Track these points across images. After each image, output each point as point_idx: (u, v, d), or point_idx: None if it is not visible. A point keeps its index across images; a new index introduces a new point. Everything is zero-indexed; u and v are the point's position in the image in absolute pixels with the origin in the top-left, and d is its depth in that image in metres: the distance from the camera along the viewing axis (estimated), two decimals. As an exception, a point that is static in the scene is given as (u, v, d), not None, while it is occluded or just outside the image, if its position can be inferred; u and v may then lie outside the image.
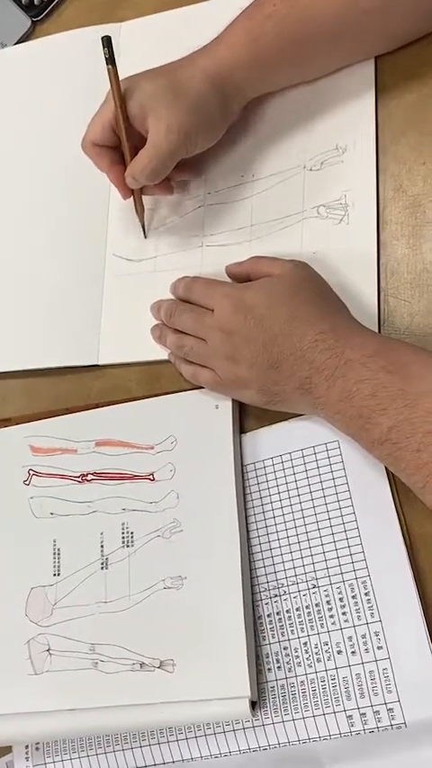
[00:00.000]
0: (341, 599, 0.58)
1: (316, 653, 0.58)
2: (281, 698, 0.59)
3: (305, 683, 0.58)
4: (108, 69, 0.63)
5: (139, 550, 0.63)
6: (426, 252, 0.63)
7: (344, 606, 0.58)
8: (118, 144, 0.66)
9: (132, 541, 0.64)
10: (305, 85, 0.68)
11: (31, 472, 0.68)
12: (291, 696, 0.58)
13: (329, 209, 0.66)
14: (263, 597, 0.61)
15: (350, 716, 0.57)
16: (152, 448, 0.65)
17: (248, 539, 0.62)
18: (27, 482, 0.68)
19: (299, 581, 0.60)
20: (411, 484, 0.53)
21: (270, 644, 0.60)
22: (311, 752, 0.57)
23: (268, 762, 0.58)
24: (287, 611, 0.60)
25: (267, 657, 0.59)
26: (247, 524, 0.62)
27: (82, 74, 0.76)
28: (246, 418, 0.65)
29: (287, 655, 0.59)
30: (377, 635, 0.57)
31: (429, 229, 0.63)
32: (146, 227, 0.71)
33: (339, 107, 0.67)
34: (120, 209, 0.73)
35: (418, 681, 0.55)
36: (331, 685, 0.57)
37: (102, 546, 0.64)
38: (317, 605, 0.59)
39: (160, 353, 0.68)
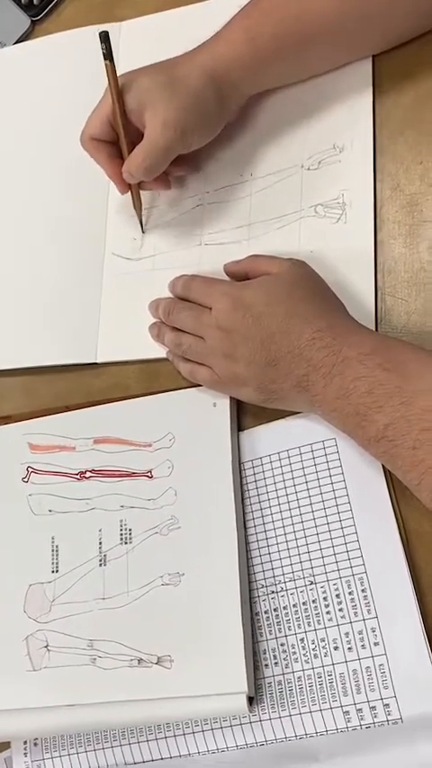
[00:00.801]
0: (338, 595, 0.59)
1: (313, 649, 0.58)
2: (278, 694, 0.59)
3: (302, 678, 0.58)
4: (105, 64, 0.63)
5: (137, 547, 0.64)
6: (422, 251, 0.63)
7: (340, 603, 0.59)
8: (116, 139, 0.66)
9: (130, 538, 0.64)
10: (303, 85, 0.68)
11: (30, 469, 0.69)
12: (288, 692, 0.59)
13: (327, 208, 0.66)
14: (260, 594, 0.61)
15: (347, 711, 0.57)
16: (150, 445, 0.66)
17: (246, 536, 0.62)
18: (26, 479, 0.68)
19: (296, 578, 0.60)
20: (407, 481, 0.53)
21: (267, 640, 0.60)
22: (308, 747, 0.58)
23: (265, 757, 0.59)
24: (284, 608, 0.60)
25: (264, 653, 0.60)
26: (244, 521, 0.63)
27: (81, 73, 0.76)
28: (243, 416, 0.65)
29: (284, 651, 0.59)
30: (373, 631, 0.57)
31: (426, 228, 0.63)
32: (143, 223, 0.72)
33: (337, 106, 0.67)
34: (118, 208, 0.73)
35: (414, 676, 0.56)
36: (328, 681, 0.58)
37: (100, 543, 0.65)
38: (314, 602, 0.59)
39: (158, 351, 0.68)
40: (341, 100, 0.67)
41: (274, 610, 0.60)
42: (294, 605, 0.60)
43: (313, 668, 0.58)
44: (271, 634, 0.60)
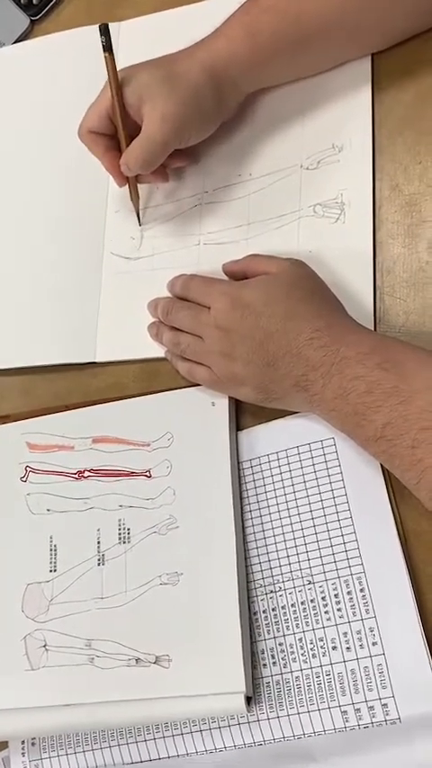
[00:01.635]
0: (336, 595, 0.59)
1: (311, 649, 0.58)
2: (276, 693, 0.59)
3: (300, 678, 0.58)
4: (105, 57, 0.63)
5: (135, 547, 0.63)
6: (421, 251, 0.63)
7: (339, 602, 0.58)
8: (114, 132, 0.66)
9: (129, 538, 0.64)
10: (302, 83, 0.68)
11: (29, 469, 0.68)
12: (286, 692, 0.59)
13: (326, 208, 0.66)
14: (258, 593, 0.61)
15: (345, 711, 0.57)
16: (149, 445, 0.66)
17: (244, 535, 0.62)
18: (24, 479, 0.68)
19: (294, 577, 0.60)
20: (406, 480, 0.53)
21: (265, 640, 0.60)
22: (306, 747, 0.57)
23: (263, 757, 0.59)
24: (282, 607, 0.60)
25: (262, 653, 0.60)
26: (242, 521, 0.62)
27: (80, 73, 0.76)
28: (242, 415, 0.65)
29: (282, 650, 0.59)
30: (372, 631, 0.57)
31: (425, 228, 0.63)
32: (140, 216, 0.72)
33: (336, 105, 0.67)
34: (117, 207, 0.73)
35: (413, 676, 0.55)
36: (326, 681, 0.58)
37: (98, 542, 0.65)
38: (312, 601, 0.59)
39: (157, 351, 0.68)
40: (340, 99, 0.67)
41: (273, 609, 0.60)
42: (293, 605, 0.60)
43: (311, 668, 0.58)
44: (269, 634, 0.60)
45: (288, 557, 0.61)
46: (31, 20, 0.83)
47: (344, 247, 0.65)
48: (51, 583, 0.65)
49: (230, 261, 0.65)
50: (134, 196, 0.70)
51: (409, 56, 0.66)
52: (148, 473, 0.65)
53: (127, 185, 0.70)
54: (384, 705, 0.56)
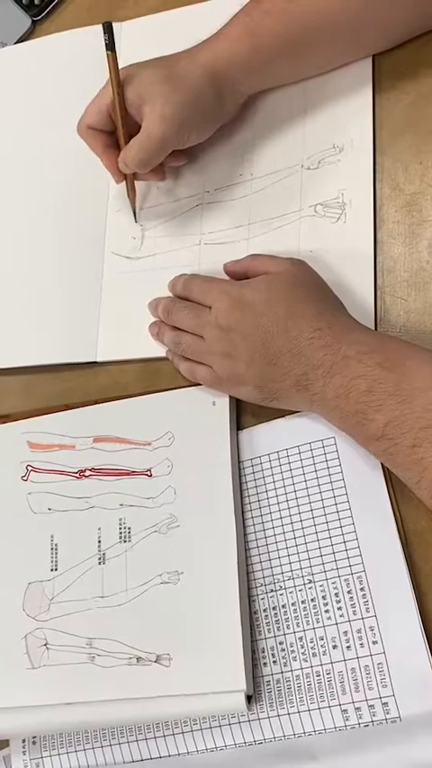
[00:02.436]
0: (336, 594, 0.59)
1: (311, 647, 0.59)
2: (276, 692, 0.59)
3: (300, 677, 0.58)
4: (107, 55, 0.63)
5: (136, 546, 0.64)
6: (422, 250, 0.63)
7: (339, 601, 0.59)
8: (113, 128, 0.66)
9: (130, 537, 0.64)
10: (303, 84, 0.69)
11: (30, 468, 0.69)
12: (286, 690, 0.59)
13: (327, 208, 0.66)
14: (259, 592, 0.61)
15: (345, 710, 0.57)
16: (150, 444, 0.66)
17: (245, 534, 0.62)
18: (25, 478, 0.68)
19: (295, 576, 0.60)
20: (407, 479, 0.53)
21: (266, 638, 0.60)
22: (307, 746, 0.58)
23: (264, 756, 0.59)
24: (283, 606, 0.60)
25: (263, 652, 0.60)
26: (243, 520, 0.63)
27: (82, 73, 0.76)
28: (242, 415, 0.65)
29: (283, 649, 0.59)
30: (372, 630, 0.57)
31: (425, 228, 0.63)
32: (137, 213, 0.72)
33: (337, 106, 0.67)
34: (119, 207, 0.73)
35: (413, 675, 0.56)
36: (326, 679, 0.58)
37: (99, 541, 0.65)
38: (312, 600, 0.59)
39: (158, 350, 0.68)
40: (341, 99, 0.67)
41: (273, 608, 0.60)
42: (293, 604, 0.60)
43: (312, 667, 0.58)
44: (270, 632, 0.60)
45: (288, 555, 0.61)
46: (33, 20, 0.83)
47: (345, 247, 0.65)
48: (52, 581, 0.65)
49: (231, 261, 0.65)
50: (131, 193, 0.71)
51: (410, 57, 0.66)
52: (148, 472, 0.65)
53: (124, 182, 0.70)
54: (385, 704, 0.56)
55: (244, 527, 0.62)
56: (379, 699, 0.56)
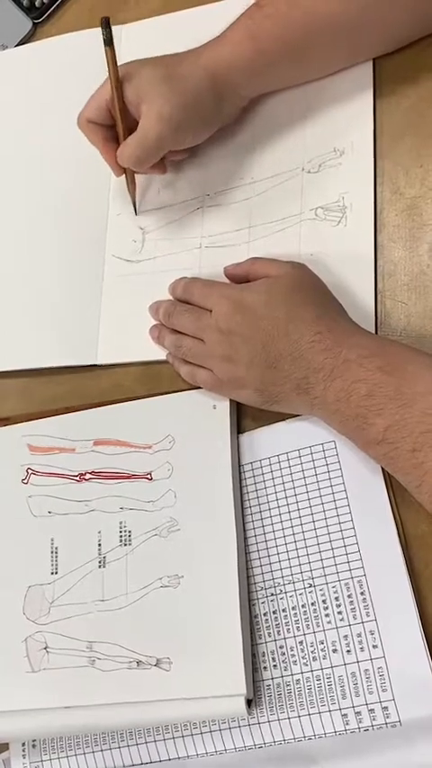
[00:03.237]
0: (337, 598, 0.59)
1: (312, 651, 0.58)
2: (276, 696, 0.59)
3: (301, 681, 0.58)
4: (106, 51, 0.63)
5: (136, 549, 0.64)
6: (422, 254, 0.63)
7: (339, 605, 0.59)
8: (112, 123, 0.66)
9: (130, 540, 0.64)
10: (304, 88, 0.69)
11: (30, 471, 0.69)
12: (286, 694, 0.59)
13: (327, 212, 0.66)
14: (259, 596, 0.61)
15: (345, 714, 0.57)
16: (150, 447, 0.66)
17: (245, 538, 0.62)
18: (25, 481, 0.68)
19: (295, 580, 0.60)
20: (407, 483, 0.53)
21: (266, 642, 0.60)
22: (306, 750, 0.58)
23: (264, 760, 0.59)
24: (283, 610, 0.60)
25: (263, 656, 0.60)
26: (243, 524, 0.63)
27: (83, 76, 0.76)
28: (243, 418, 0.65)
29: (283, 653, 0.59)
30: (372, 634, 0.57)
31: (426, 231, 0.63)
32: (137, 206, 0.72)
33: (338, 110, 0.67)
34: (119, 210, 0.73)
35: (413, 679, 0.56)
36: (327, 684, 0.58)
37: (99, 544, 0.65)
38: (313, 604, 0.59)
39: (159, 354, 0.68)
40: (342, 103, 0.67)
41: (273, 612, 0.60)
42: (293, 608, 0.60)
43: (312, 671, 0.58)
44: (270, 636, 0.60)
45: (289, 559, 0.61)
46: (34, 22, 0.83)
47: (345, 251, 0.65)
48: (52, 585, 0.65)
49: (232, 264, 0.65)
50: (131, 186, 0.71)
51: (410, 61, 0.66)
52: (149, 476, 0.65)
53: (124, 175, 0.70)
54: (385, 708, 0.56)
55: (244, 530, 0.62)
56: (379, 703, 0.56)
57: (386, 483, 0.59)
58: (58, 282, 0.74)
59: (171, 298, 0.68)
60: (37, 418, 0.70)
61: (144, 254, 0.72)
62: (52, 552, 0.66)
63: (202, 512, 0.62)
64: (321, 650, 0.58)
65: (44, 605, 0.64)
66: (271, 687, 0.59)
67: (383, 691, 0.56)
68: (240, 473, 0.64)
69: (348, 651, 0.58)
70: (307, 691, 0.58)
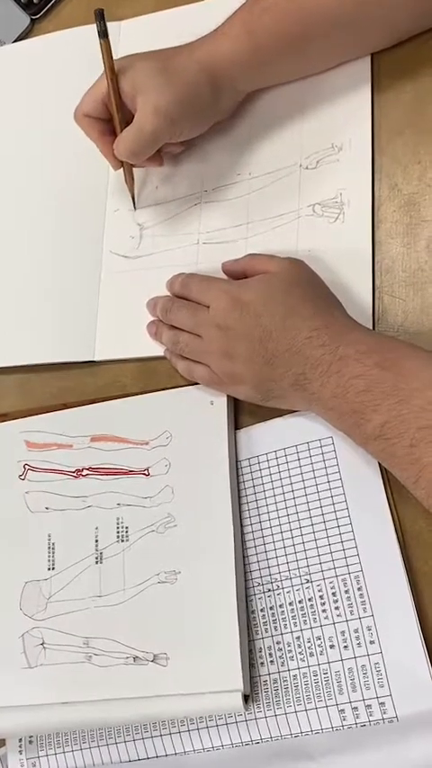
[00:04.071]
0: (334, 594, 0.59)
1: (308, 647, 0.59)
2: (273, 692, 0.59)
3: (298, 677, 0.58)
4: (101, 43, 0.63)
5: (133, 545, 0.63)
6: (420, 250, 0.63)
7: (336, 601, 0.59)
8: (109, 117, 0.66)
9: (127, 536, 0.64)
10: (301, 83, 0.68)
11: (27, 467, 0.69)
12: (283, 690, 0.59)
13: (325, 208, 0.66)
14: (256, 592, 0.61)
15: (342, 710, 0.57)
16: (147, 443, 0.66)
17: (242, 534, 0.62)
18: (22, 477, 0.68)
19: (292, 576, 0.60)
20: (404, 479, 0.53)
21: (263, 638, 0.60)
22: (303, 745, 0.58)
23: (260, 755, 0.59)
24: (280, 606, 0.60)
25: (260, 651, 0.60)
26: (240, 520, 0.63)
27: (80, 72, 0.76)
28: (240, 414, 0.65)
29: (280, 649, 0.59)
30: (369, 630, 0.57)
31: (424, 228, 0.63)
32: (135, 200, 0.72)
33: (335, 105, 0.67)
34: (117, 206, 0.73)
35: (410, 675, 0.55)
36: (323, 679, 0.58)
37: (96, 540, 0.65)
38: (310, 600, 0.59)
39: (156, 349, 0.68)
40: (340, 98, 0.67)
41: (270, 608, 0.60)
42: (290, 603, 0.60)
43: (309, 666, 0.58)
44: (267, 632, 0.60)
45: (286, 555, 0.61)
46: (32, 18, 0.83)
47: (343, 247, 0.65)
48: (49, 581, 0.65)
49: (230, 260, 0.65)
50: (129, 179, 0.71)
51: (408, 56, 0.66)
52: (146, 471, 0.65)
53: (122, 169, 0.70)
54: (382, 704, 0.56)
55: (241, 526, 0.62)
56: (376, 699, 0.56)
57: (383, 479, 0.59)
58: (56, 279, 0.74)
59: (169, 294, 0.68)
60: (34, 414, 0.70)
61: (142, 251, 0.72)
62: (49, 548, 0.66)
63: (200, 508, 0.62)
64: (318, 646, 0.58)
65: (41, 601, 0.64)
66: (268, 683, 0.59)
67: (380, 686, 0.56)
68: (238, 469, 0.64)
69: (345, 647, 0.58)
70: (304, 686, 0.58)
